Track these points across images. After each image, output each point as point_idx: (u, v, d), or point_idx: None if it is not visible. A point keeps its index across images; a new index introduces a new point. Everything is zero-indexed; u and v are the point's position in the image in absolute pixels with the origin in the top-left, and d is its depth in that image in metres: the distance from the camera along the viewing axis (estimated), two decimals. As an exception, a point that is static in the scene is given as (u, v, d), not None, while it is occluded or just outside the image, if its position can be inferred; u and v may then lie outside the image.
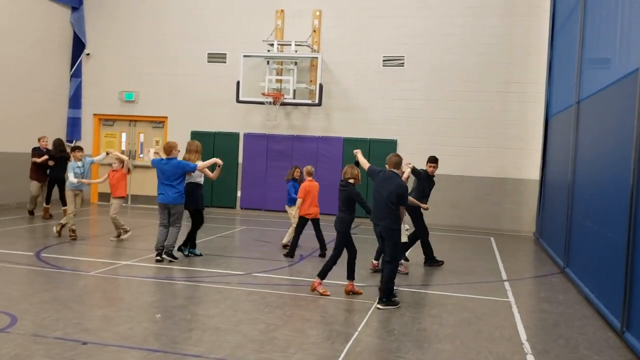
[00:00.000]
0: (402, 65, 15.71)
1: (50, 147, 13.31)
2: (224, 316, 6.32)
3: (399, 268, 8.97)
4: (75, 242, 10.53)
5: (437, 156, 10.22)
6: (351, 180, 7.67)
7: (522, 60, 15.01)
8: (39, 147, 13.37)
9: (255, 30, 16.24)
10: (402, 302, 7.25)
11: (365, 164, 8.06)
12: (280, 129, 16.46)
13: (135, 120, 17.54)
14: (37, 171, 13.23)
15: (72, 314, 6.11)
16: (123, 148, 17.31)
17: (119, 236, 10.91)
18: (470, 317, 6.75)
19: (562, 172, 10.71)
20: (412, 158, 15.24)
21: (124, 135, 17.67)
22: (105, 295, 7.08)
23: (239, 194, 16.75)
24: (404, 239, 8.88)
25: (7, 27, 14.93)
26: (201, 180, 9.50)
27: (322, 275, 7.45)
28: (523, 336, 6.13)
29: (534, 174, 14.85)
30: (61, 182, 13.04)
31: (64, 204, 12.83)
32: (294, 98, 15.38)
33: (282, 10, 16.32)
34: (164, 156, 9.09)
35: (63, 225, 11.00)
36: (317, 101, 15.21)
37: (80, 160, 10.98)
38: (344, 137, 16.09)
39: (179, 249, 9.47)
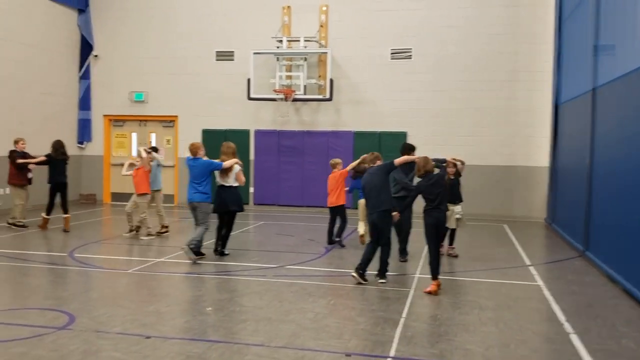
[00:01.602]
0: (410, 58, 15.90)
1: (27, 150, 12.33)
2: (271, 307, 6.52)
3: (450, 252, 9.53)
4: (105, 242, 10.69)
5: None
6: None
7: (528, 49, 15.23)
8: (16, 150, 12.18)
9: (262, 28, 16.38)
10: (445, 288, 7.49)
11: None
12: (291, 124, 16.61)
13: (146, 120, 17.66)
14: (19, 175, 12.04)
15: (125, 311, 6.29)
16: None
17: (130, 231, 11.18)
18: (506, 301, 6.98)
19: (578, 158, 10.93)
20: (422, 149, 15.66)
21: (134, 135, 17.78)
22: (151, 291, 7.26)
23: (251, 190, 16.91)
24: (452, 225, 9.22)
25: (15, 31, 15.00)
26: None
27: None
28: (561, 317, 6.35)
29: (543, 160, 15.10)
30: (65, 187, 12.13)
31: (66, 211, 12.01)
32: (304, 94, 15.55)
33: (288, 7, 16.46)
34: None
35: (138, 227, 11.24)
36: (327, 96, 15.40)
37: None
38: (354, 131, 16.27)
39: (217, 251, 9.42)
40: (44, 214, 12.09)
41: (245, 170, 16.41)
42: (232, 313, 6.28)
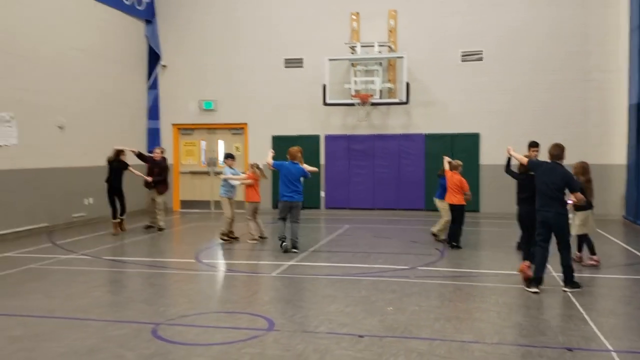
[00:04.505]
0: (481, 60, 16.05)
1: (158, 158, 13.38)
2: (447, 306, 6.69)
3: (591, 261, 9.02)
4: (226, 244, 10.91)
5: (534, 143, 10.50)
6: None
7: (601, 49, 15.35)
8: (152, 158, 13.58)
9: (330, 34, 16.58)
10: (588, 285, 7.61)
11: (522, 159, 8.41)
12: (361, 128, 16.79)
13: (215, 128, 17.87)
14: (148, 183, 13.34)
15: (312, 312, 6.45)
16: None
17: (261, 237, 11.37)
18: (668, 295, 7.11)
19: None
20: (494, 150, 15.84)
21: (203, 143, 18.00)
22: (314, 292, 7.40)
23: (322, 194, 17.08)
24: (574, 231, 9.03)
25: (94, 44, 15.23)
26: None
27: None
28: None
29: (619, 158, 15.22)
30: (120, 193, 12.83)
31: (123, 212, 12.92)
32: (380, 98, 15.73)
33: (357, 13, 16.65)
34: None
35: (225, 232, 11.43)
36: (403, 99, 15.56)
37: (232, 167, 11.48)
38: (425, 134, 16.43)
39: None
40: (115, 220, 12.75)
41: (316, 174, 16.77)
42: (416, 312, 6.42)
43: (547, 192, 7.42)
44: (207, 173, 17.99)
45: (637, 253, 10.16)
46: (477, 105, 16.09)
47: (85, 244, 11.32)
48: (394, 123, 16.68)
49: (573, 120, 15.58)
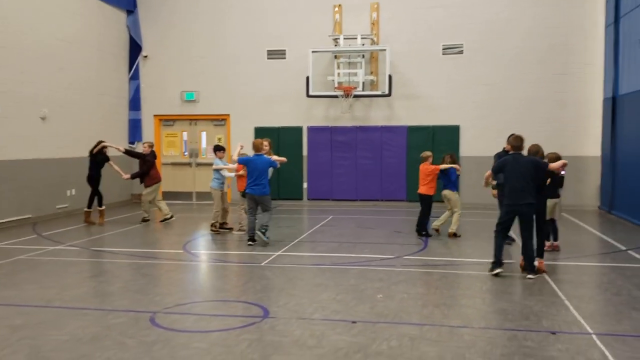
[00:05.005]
0: (462, 53, 16.33)
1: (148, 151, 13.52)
2: (434, 294, 6.95)
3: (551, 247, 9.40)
4: (212, 237, 11.10)
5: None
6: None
7: (579, 43, 15.72)
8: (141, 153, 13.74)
9: (313, 26, 16.70)
10: (562, 273, 7.95)
11: (488, 173, 8.48)
12: (343, 120, 16.96)
13: (196, 119, 17.89)
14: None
15: (304, 300, 6.64)
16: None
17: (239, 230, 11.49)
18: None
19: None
20: (475, 142, 16.18)
21: (185, 134, 18.02)
22: (306, 282, 7.57)
23: (305, 185, 17.25)
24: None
25: (75, 34, 15.13)
26: None
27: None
28: None
29: (595, 150, 15.66)
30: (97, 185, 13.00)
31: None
32: (363, 90, 15.93)
33: (339, 5, 16.79)
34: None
35: (214, 224, 11.54)
36: (386, 92, 15.77)
37: (222, 159, 11.58)
38: (407, 126, 16.68)
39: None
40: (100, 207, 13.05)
41: (299, 166, 17.01)
42: (404, 300, 6.66)
43: (518, 184, 7.71)
44: (188, 164, 18.06)
45: (613, 242, 10.53)
46: (459, 98, 16.37)
47: (71, 235, 11.36)
48: (377, 115, 16.90)
49: (552, 112, 15.96)
